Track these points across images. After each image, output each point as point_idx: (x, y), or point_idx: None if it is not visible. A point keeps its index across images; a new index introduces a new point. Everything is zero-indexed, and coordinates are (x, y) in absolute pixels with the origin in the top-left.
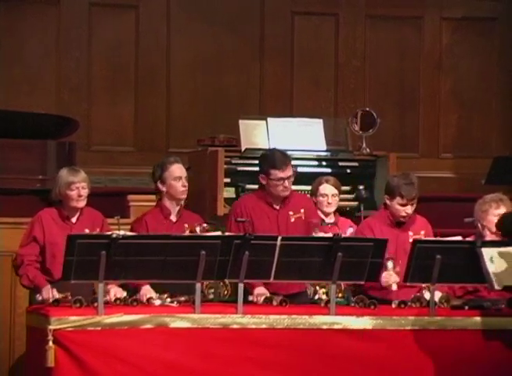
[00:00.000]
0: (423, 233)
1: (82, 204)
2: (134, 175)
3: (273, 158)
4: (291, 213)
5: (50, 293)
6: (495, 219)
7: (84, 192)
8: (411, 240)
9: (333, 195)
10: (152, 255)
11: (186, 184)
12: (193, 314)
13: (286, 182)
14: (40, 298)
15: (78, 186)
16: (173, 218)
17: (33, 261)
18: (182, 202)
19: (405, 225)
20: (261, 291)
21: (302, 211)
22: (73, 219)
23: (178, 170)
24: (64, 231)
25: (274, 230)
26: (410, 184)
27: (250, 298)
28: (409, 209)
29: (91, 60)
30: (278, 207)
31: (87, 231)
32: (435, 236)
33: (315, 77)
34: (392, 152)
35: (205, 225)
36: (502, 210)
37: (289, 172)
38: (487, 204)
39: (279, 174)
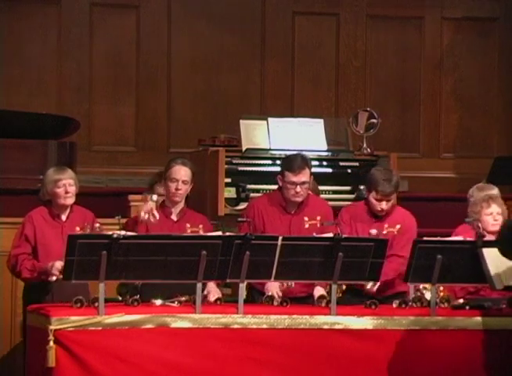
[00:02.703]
0: (398, 227)
1: (70, 201)
2: (135, 175)
3: (291, 161)
4: (306, 219)
5: (56, 266)
6: (488, 219)
7: (72, 189)
8: (384, 232)
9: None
10: (153, 255)
11: (182, 187)
12: (194, 314)
13: (299, 187)
14: (54, 278)
15: (65, 183)
16: (174, 217)
17: (26, 255)
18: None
19: (383, 218)
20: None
21: (318, 218)
22: (63, 217)
23: (176, 172)
24: (55, 229)
25: (286, 234)
26: (387, 180)
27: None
28: (384, 205)
29: (92, 60)
30: (292, 212)
31: (77, 229)
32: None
33: (316, 77)
34: (393, 152)
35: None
36: (494, 208)
37: (303, 178)
38: (478, 205)
39: (292, 177)
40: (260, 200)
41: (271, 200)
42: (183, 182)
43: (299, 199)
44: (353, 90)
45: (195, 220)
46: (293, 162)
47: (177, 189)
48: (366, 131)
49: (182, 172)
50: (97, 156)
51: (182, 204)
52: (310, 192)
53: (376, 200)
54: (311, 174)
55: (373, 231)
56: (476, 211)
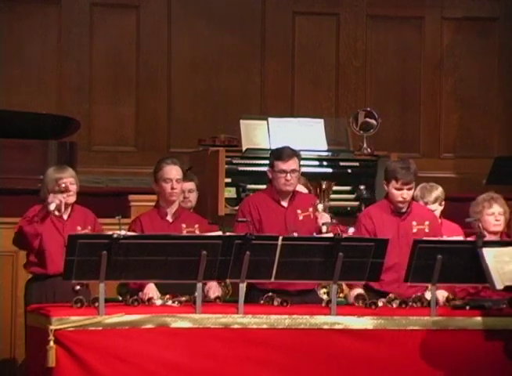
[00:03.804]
0: (427, 223)
1: (71, 199)
2: (135, 175)
3: (280, 151)
4: (299, 211)
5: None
6: (490, 219)
7: (73, 187)
8: (415, 231)
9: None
10: (153, 255)
11: (177, 186)
12: (194, 314)
13: (289, 175)
14: (52, 208)
15: (65, 182)
16: (169, 218)
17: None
18: (192, 201)
19: (407, 215)
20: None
21: (311, 209)
22: (65, 216)
23: (169, 171)
24: (56, 228)
25: (282, 228)
26: (406, 168)
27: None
28: (405, 194)
29: (92, 60)
30: (286, 205)
31: (79, 228)
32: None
33: (316, 77)
34: (393, 152)
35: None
36: (496, 208)
37: (292, 166)
38: (480, 204)
39: (281, 165)
40: (254, 196)
41: (264, 195)
42: (177, 180)
43: (290, 188)
44: (353, 90)
45: (190, 220)
46: (282, 151)
47: (172, 188)
48: (366, 131)
49: (173, 172)
50: (97, 156)
51: (176, 205)
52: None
53: (397, 189)
54: (300, 165)
55: (351, 230)
56: (477, 211)
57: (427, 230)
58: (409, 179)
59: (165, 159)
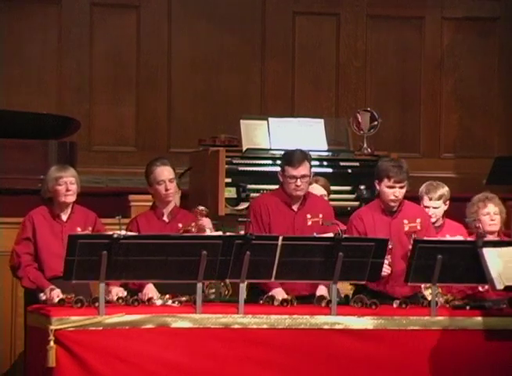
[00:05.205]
0: (419, 221)
1: (70, 199)
2: (135, 175)
3: (290, 155)
4: (309, 216)
5: (54, 293)
6: (485, 219)
7: (73, 187)
8: (406, 229)
9: (322, 195)
10: (153, 255)
11: (171, 187)
12: (194, 314)
13: (299, 181)
14: (44, 298)
15: (66, 181)
16: (166, 218)
17: (30, 261)
18: (176, 202)
19: (398, 213)
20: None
21: (321, 215)
22: (64, 217)
23: (160, 173)
24: (55, 229)
25: (290, 231)
26: (398, 166)
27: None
28: (398, 192)
29: (92, 60)
30: (296, 209)
31: (79, 230)
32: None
33: (317, 77)
34: (393, 152)
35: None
36: (491, 208)
37: (303, 171)
38: (475, 205)
39: (292, 171)
40: (265, 197)
41: (275, 197)
42: (170, 180)
43: (300, 193)
44: (353, 90)
45: (187, 220)
46: (293, 156)
47: (167, 189)
48: (367, 131)
49: (165, 173)
50: (97, 156)
51: (172, 204)
52: (324, 194)
53: (389, 187)
54: (311, 167)
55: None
56: (473, 211)
57: (418, 228)
58: (402, 177)
59: (154, 161)
